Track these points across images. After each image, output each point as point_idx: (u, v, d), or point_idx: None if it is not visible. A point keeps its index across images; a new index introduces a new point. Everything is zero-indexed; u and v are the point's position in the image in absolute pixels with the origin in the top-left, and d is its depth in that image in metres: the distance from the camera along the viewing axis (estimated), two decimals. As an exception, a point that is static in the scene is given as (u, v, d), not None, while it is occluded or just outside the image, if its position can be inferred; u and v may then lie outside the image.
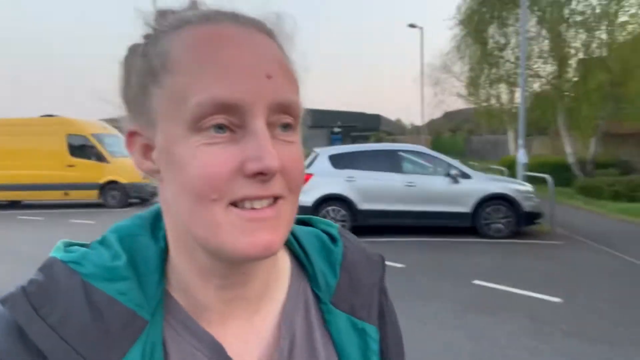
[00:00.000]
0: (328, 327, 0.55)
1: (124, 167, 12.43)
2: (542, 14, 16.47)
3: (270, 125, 0.44)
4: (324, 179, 7.85)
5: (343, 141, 29.23)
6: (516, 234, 7.92)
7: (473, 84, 19.35)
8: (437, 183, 7.89)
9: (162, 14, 0.47)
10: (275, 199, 0.44)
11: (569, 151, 16.90)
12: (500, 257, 6.63)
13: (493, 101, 19.96)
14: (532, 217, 7.93)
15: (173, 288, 0.50)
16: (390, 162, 8.14)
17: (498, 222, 7.80)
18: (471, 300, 4.83)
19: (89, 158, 12.77)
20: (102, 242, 0.50)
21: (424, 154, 8.41)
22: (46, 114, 13.44)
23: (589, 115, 15.00)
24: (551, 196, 9.14)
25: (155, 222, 0.52)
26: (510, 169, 19.99)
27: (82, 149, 12.82)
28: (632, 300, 4.76)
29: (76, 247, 0.50)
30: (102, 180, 12.59)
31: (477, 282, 5.40)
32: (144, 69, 0.45)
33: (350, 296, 0.57)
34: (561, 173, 16.52)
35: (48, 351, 0.42)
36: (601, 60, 15.21)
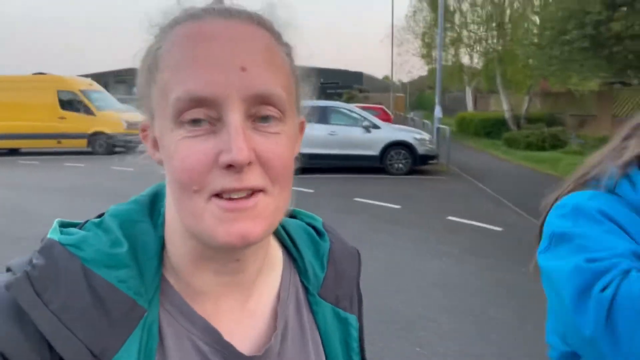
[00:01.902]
0: (315, 316, 0.58)
1: (109, 119, 14.45)
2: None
3: (250, 117, 0.44)
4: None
5: (318, 97, 31.07)
6: (417, 171, 10.28)
7: (427, 46, 21.20)
8: (353, 132, 10.15)
9: (164, 14, 0.48)
10: (259, 191, 0.45)
11: (505, 108, 19.14)
12: (395, 187, 8.98)
13: (446, 62, 21.90)
14: (426, 158, 10.30)
15: (169, 273, 0.51)
16: (321, 115, 10.32)
17: (399, 162, 10.13)
18: (355, 210, 7.20)
19: (77, 111, 14.73)
20: (100, 225, 0.50)
21: (347, 109, 10.61)
22: (38, 72, 15.28)
23: (518, 77, 17.11)
24: (448, 142, 11.46)
25: (153, 208, 0.53)
26: (462, 123, 22.32)
27: (71, 103, 14.76)
28: (471, 209, 7.16)
29: (73, 229, 0.50)
30: (90, 131, 14.61)
31: (369, 201, 7.72)
32: (145, 67, 0.48)
33: (335, 288, 0.60)
34: (497, 127, 18.90)
35: (51, 337, 0.42)
36: (528, 27, 17.16)
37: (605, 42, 6.74)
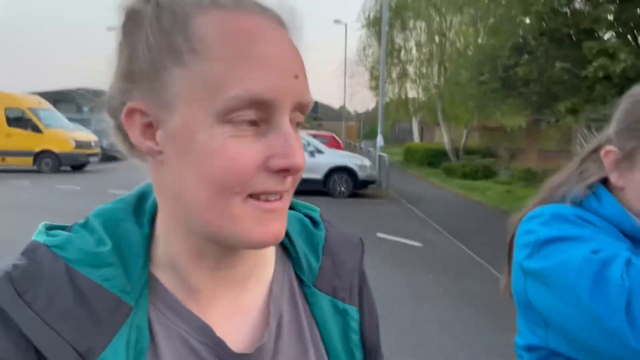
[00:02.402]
0: (311, 309, 0.56)
1: (57, 137, 14.37)
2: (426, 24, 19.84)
3: (290, 122, 0.44)
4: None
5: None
6: (357, 194, 10.99)
7: (375, 79, 22.51)
8: (299, 156, 10.83)
9: None
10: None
11: (446, 140, 20.54)
12: (336, 208, 9.60)
13: (393, 95, 23.29)
14: (366, 183, 11.06)
15: (159, 271, 0.50)
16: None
17: (341, 186, 10.82)
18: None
19: (25, 128, 14.56)
20: (85, 226, 0.49)
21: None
22: (-16, 88, 15.04)
23: (456, 111, 18.52)
24: (386, 169, 12.35)
25: (138, 206, 0.52)
26: (408, 153, 23.61)
27: (19, 121, 14.56)
28: (399, 228, 7.85)
29: (58, 231, 0.49)
30: (37, 149, 14.45)
31: None
32: (160, 44, 0.43)
33: (332, 279, 0.58)
34: (439, 157, 20.22)
35: (33, 337, 0.42)
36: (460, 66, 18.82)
37: (514, 84, 7.79)
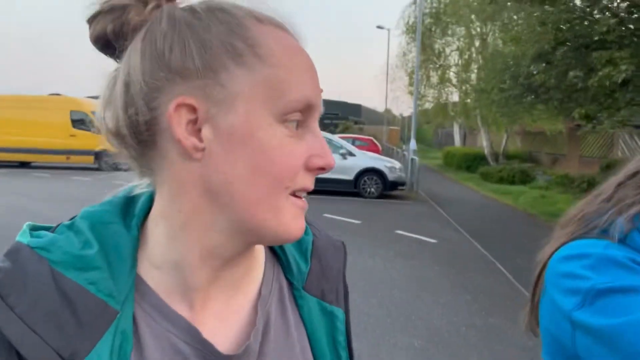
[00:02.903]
0: (300, 311, 0.57)
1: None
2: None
3: None
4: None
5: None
6: (387, 195, 11.46)
7: (413, 85, 22.78)
8: (331, 158, 11.47)
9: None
10: None
11: (485, 144, 20.50)
12: (364, 207, 10.15)
13: (436, 100, 23.45)
14: (395, 184, 11.52)
15: (148, 273, 0.49)
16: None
17: (371, 187, 11.35)
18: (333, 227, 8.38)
19: (87, 130, 16.08)
20: (71, 227, 0.49)
21: (327, 137, 11.88)
22: (54, 92, 16.76)
23: (496, 118, 18.51)
24: (416, 171, 12.74)
25: (127, 209, 0.52)
26: (447, 157, 23.67)
27: (82, 122, 16.11)
28: (419, 226, 8.32)
29: (43, 232, 0.49)
30: (97, 148, 15.89)
31: (335, 217, 8.82)
32: (219, 44, 0.45)
33: (321, 282, 0.60)
34: (478, 161, 20.22)
35: (16, 341, 0.41)
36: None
37: (536, 91, 8.04)
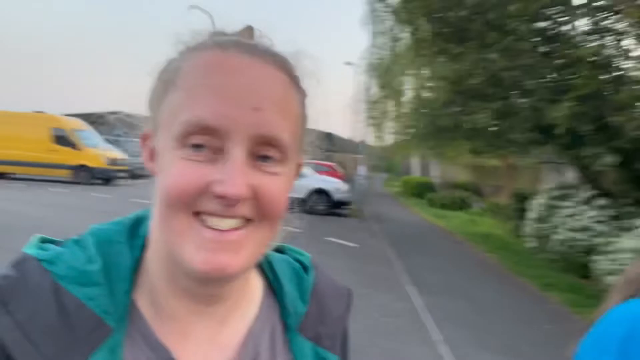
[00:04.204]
0: (292, 354, 0.56)
1: (92, 155, 17.11)
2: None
3: (252, 154, 0.45)
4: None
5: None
6: (335, 214, 13.17)
7: (372, 118, 24.90)
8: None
9: (193, 35, 0.49)
10: (248, 220, 0.46)
11: (434, 174, 22.61)
12: (309, 221, 11.78)
13: (395, 133, 25.57)
14: (341, 204, 13.31)
15: (141, 297, 0.50)
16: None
17: (320, 205, 13.08)
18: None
19: (66, 146, 17.36)
20: (78, 242, 0.50)
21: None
22: (37, 110, 18.10)
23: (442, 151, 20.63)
24: (364, 194, 14.55)
25: (134, 230, 0.52)
26: (405, 185, 25.68)
27: (62, 139, 17.40)
28: (349, 235, 9.98)
29: (50, 245, 0.50)
30: (75, 163, 17.17)
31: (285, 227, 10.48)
32: (162, 80, 0.49)
33: (317, 325, 0.58)
34: (429, 189, 22.25)
35: (11, 347, 0.42)
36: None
37: (444, 131, 9.96)
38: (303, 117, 0.52)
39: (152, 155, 0.50)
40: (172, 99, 0.46)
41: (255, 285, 0.58)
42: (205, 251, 0.44)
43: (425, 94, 10.94)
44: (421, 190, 23.04)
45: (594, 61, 6.07)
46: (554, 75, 6.62)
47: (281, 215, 0.49)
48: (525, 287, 7.08)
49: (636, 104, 5.84)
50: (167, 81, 0.48)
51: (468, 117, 8.02)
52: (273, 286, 0.59)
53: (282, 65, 0.49)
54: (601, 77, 6.06)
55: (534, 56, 6.65)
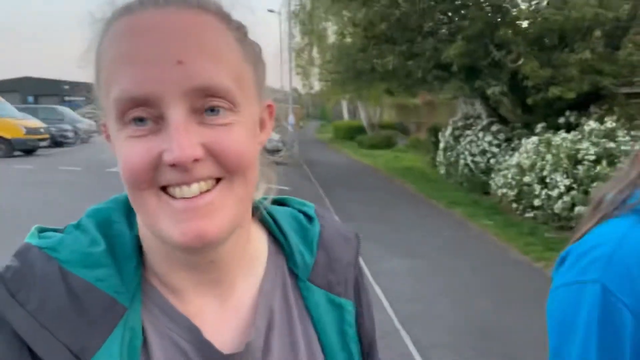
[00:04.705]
0: (306, 304, 0.56)
1: (8, 125, 16.21)
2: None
3: (196, 110, 0.42)
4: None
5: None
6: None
7: (299, 67, 25.15)
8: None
9: (104, 8, 0.46)
10: (217, 180, 0.44)
11: (362, 117, 23.63)
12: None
13: (322, 80, 26.02)
14: (273, 152, 13.88)
15: (150, 272, 0.50)
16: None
17: None
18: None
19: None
20: (78, 226, 0.50)
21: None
22: None
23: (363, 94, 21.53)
24: (296, 141, 15.20)
25: (130, 207, 0.51)
26: (336, 130, 26.55)
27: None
28: (284, 179, 10.64)
29: (51, 233, 0.50)
30: (-11, 136, 16.23)
31: None
32: (94, 66, 0.46)
33: (327, 273, 0.58)
34: (359, 132, 23.31)
35: (27, 337, 0.42)
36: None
37: (361, 74, 10.67)
38: (247, 56, 0.47)
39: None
40: (102, 81, 0.44)
41: (259, 242, 0.58)
42: (180, 222, 0.43)
43: (343, 40, 11.47)
44: (351, 134, 24.08)
45: (479, 4, 6.88)
46: (448, 17, 7.39)
47: (249, 166, 0.46)
48: (434, 206, 8.22)
49: (513, 40, 6.77)
50: (96, 65, 0.46)
51: (380, 60, 8.73)
52: (278, 240, 0.59)
53: (201, 4, 0.44)
54: (486, 19, 6.90)
55: (429, 2, 7.36)
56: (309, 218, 0.63)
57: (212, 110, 0.43)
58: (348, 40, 11.27)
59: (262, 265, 0.57)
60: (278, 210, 0.61)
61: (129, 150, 0.43)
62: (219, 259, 0.51)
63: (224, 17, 0.46)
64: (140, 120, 0.42)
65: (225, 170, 0.44)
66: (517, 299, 4.17)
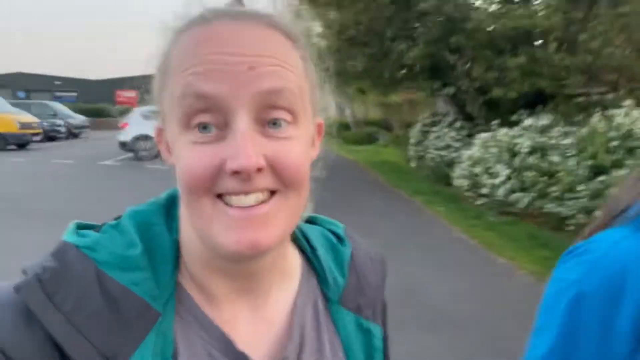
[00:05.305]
0: (335, 326, 0.56)
1: (2, 120, 16.77)
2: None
3: (259, 121, 0.44)
4: (138, 125, 13.53)
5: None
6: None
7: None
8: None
9: (177, 17, 0.48)
10: (273, 192, 0.44)
11: (348, 113, 24.42)
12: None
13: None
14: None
15: (185, 279, 0.50)
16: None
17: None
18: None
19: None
20: (117, 227, 0.50)
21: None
22: None
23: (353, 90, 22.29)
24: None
25: (170, 211, 0.52)
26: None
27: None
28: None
29: (89, 231, 0.50)
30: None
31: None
32: (159, 73, 0.48)
33: (357, 296, 0.59)
34: (345, 128, 24.10)
35: (61, 339, 0.42)
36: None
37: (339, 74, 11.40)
38: (308, 75, 0.49)
39: (169, 149, 0.49)
40: (169, 86, 0.45)
41: (293, 258, 0.58)
42: (235, 230, 0.43)
43: (321, 42, 12.20)
44: (338, 130, 24.80)
45: (437, 13, 7.65)
46: (409, 24, 8.16)
47: (304, 181, 0.47)
48: (399, 195, 9.01)
49: (465, 45, 7.56)
50: (163, 71, 0.47)
51: (352, 61, 9.50)
52: (310, 259, 0.59)
53: (271, 23, 0.46)
54: (442, 26, 7.68)
55: (392, 9, 8.13)
56: (339, 238, 0.63)
57: (274, 123, 0.44)
58: (323, 42, 12.01)
59: (295, 281, 0.57)
60: (309, 228, 0.62)
61: (192, 155, 0.43)
62: (259, 270, 0.51)
63: (290, 36, 0.48)
64: (204, 127, 0.43)
65: (282, 183, 0.45)
66: (446, 266, 4.97)
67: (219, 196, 0.44)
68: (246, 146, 0.42)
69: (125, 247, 0.48)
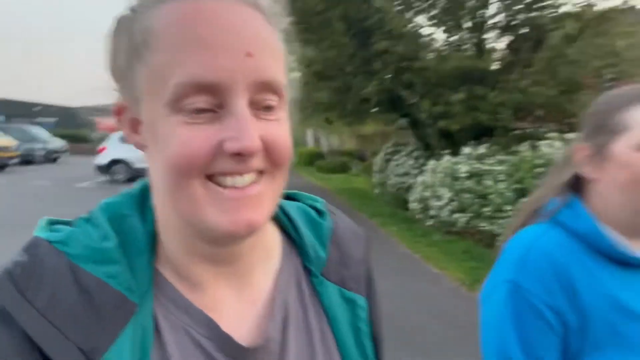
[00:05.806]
0: (320, 299, 0.56)
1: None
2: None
3: (253, 104, 0.44)
4: (115, 149, 14.00)
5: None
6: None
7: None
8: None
9: None
10: (260, 172, 0.45)
11: (324, 144, 25.30)
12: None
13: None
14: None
15: (163, 267, 0.50)
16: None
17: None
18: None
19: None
20: (89, 220, 0.49)
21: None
22: None
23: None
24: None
25: (144, 201, 0.51)
26: (299, 155, 28.16)
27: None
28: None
29: (61, 226, 0.49)
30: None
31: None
32: (128, 45, 0.45)
33: (340, 269, 0.59)
34: (318, 157, 24.91)
35: (37, 336, 0.41)
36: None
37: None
38: (286, 58, 0.49)
39: (135, 127, 0.48)
40: (152, 63, 0.43)
41: (273, 236, 0.58)
42: (230, 211, 0.43)
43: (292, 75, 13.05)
44: (312, 159, 25.63)
45: (388, 53, 8.52)
46: (369, 62, 9.02)
47: (289, 161, 0.47)
48: (361, 218, 9.62)
49: (416, 82, 8.43)
50: (137, 45, 0.44)
51: (317, 94, 10.31)
52: (291, 234, 0.59)
53: (256, 3, 0.46)
54: (395, 64, 8.55)
55: (354, 47, 9.02)
56: (320, 213, 0.64)
57: (267, 108, 0.45)
58: (296, 74, 12.87)
59: (276, 259, 0.57)
60: (289, 205, 0.62)
61: (186, 134, 0.42)
62: (241, 251, 0.51)
63: (270, 18, 0.47)
64: (198, 110, 0.42)
65: (272, 164, 0.46)
66: (387, 274, 5.59)
67: (208, 177, 0.44)
68: (249, 129, 0.42)
69: (99, 239, 0.47)
